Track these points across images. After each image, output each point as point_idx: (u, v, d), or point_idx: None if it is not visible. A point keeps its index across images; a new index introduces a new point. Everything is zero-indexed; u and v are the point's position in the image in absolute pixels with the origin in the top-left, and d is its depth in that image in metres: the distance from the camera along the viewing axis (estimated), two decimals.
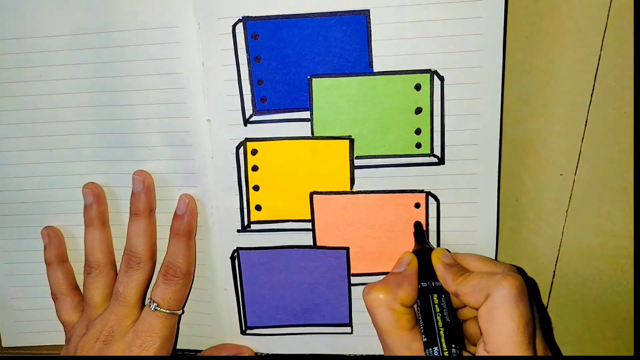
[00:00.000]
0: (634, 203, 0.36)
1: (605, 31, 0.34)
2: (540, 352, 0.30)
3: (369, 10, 0.33)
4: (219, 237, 0.39)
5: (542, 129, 0.36)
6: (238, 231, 0.38)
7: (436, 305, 0.31)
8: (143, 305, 0.38)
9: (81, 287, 0.40)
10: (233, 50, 0.35)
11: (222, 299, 0.40)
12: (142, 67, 0.36)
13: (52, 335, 0.42)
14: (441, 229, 0.37)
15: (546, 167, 0.37)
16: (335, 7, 0.34)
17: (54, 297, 0.39)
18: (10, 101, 0.38)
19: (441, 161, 0.36)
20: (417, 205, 0.37)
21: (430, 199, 0.37)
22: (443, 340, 0.30)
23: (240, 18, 0.34)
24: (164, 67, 0.35)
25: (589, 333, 0.40)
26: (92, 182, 0.38)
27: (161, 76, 0.36)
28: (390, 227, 0.37)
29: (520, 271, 0.35)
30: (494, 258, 0.37)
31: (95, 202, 0.38)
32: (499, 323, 0.28)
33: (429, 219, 0.37)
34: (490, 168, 0.35)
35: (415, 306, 0.32)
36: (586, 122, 0.36)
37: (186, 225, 0.37)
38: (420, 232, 0.37)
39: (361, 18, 0.34)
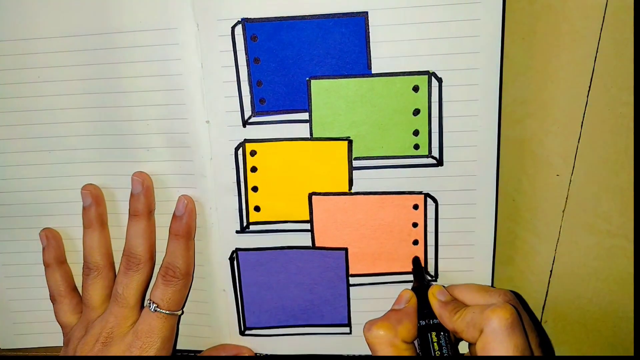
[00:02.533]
0: (634, 203, 0.37)
1: (601, 33, 0.34)
2: None
3: (367, 12, 0.34)
4: (218, 238, 0.39)
5: (539, 129, 0.36)
6: (237, 232, 0.38)
7: (435, 343, 0.32)
8: (142, 306, 0.38)
9: (80, 289, 0.40)
10: (232, 51, 0.35)
11: (221, 300, 0.40)
12: (141, 69, 0.36)
13: (51, 337, 0.42)
14: (439, 230, 0.37)
15: (543, 167, 0.37)
16: (334, 9, 0.34)
17: (53, 299, 0.39)
18: (9, 102, 0.37)
19: (439, 162, 0.36)
20: (416, 207, 0.37)
21: (429, 201, 0.37)
22: None
23: (240, 20, 0.34)
24: (163, 68, 0.35)
25: (585, 332, 0.40)
26: (91, 184, 0.38)
27: (160, 77, 0.36)
28: (389, 228, 0.37)
29: (517, 295, 0.35)
30: (491, 260, 0.37)
31: (94, 203, 0.38)
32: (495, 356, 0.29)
33: (427, 220, 0.37)
34: (489, 169, 0.36)
35: (415, 342, 0.33)
36: (582, 123, 0.36)
37: (185, 226, 0.37)
38: (418, 268, 0.37)
39: (360, 20, 0.34)
